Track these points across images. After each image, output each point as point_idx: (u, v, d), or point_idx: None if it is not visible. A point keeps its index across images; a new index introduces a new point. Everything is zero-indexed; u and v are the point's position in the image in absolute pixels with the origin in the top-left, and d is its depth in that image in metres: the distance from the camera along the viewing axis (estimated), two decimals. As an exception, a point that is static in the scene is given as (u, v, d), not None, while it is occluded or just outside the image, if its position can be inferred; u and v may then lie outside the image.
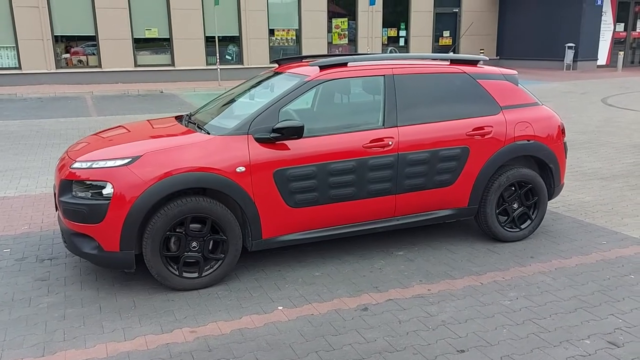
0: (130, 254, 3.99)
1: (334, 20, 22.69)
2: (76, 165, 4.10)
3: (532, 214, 5.19)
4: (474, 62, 5.17)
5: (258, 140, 4.23)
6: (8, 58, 18.97)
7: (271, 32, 21.62)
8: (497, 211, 5.04)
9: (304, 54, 20.84)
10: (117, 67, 19.79)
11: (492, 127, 4.91)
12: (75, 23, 19.36)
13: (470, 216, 5.05)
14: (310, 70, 4.69)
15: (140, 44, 20.18)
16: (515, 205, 5.14)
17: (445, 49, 24.97)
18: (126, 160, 3.97)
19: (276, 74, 5.16)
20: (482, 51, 23.78)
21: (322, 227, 4.52)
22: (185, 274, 4.14)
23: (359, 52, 22.41)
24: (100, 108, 14.50)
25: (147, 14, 20.02)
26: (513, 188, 5.09)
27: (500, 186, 4.98)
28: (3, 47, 18.78)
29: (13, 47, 18.81)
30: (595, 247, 4.98)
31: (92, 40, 19.64)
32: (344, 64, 4.70)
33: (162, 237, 4.00)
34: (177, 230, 4.09)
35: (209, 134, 4.34)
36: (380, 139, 4.54)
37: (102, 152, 4.15)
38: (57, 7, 18.97)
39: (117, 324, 3.68)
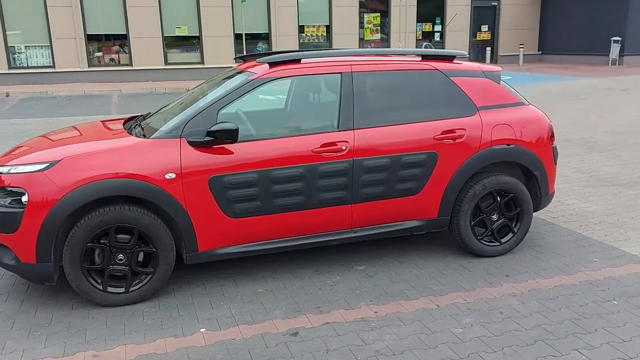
0: (47, 267, 3.71)
1: (365, 16, 22.14)
2: (-3, 170, 3.85)
3: (515, 226, 4.66)
4: (449, 58, 4.66)
5: (192, 144, 3.88)
6: (43, 57, 19.33)
7: (301, 28, 21.27)
8: (472, 223, 4.54)
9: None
10: (148, 65, 19.86)
11: (464, 130, 4.41)
12: (107, 22, 19.56)
13: (442, 228, 4.57)
14: (258, 68, 4.30)
15: (170, 42, 20.21)
16: (495, 217, 4.62)
17: (483, 43, 24.03)
18: (43, 166, 3.69)
19: (238, 72, 4.80)
20: (522, 46, 22.75)
21: (267, 239, 4.14)
22: (110, 289, 3.84)
23: (391, 47, 21.82)
24: (122, 106, 14.51)
25: (177, 12, 20.04)
26: (492, 197, 4.58)
27: (475, 195, 4.47)
28: (38, 45, 19.15)
29: (47, 45, 19.14)
30: (583, 266, 4.41)
31: (123, 38, 19.80)
32: (297, 61, 4.29)
33: (82, 248, 3.70)
34: (102, 241, 3.79)
35: (144, 136, 4.02)
36: (333, 144, 4.12)
37: (22, 158, 3.88)
38: (89, 6, 19.19)
39: (20, 344, 3.40)
